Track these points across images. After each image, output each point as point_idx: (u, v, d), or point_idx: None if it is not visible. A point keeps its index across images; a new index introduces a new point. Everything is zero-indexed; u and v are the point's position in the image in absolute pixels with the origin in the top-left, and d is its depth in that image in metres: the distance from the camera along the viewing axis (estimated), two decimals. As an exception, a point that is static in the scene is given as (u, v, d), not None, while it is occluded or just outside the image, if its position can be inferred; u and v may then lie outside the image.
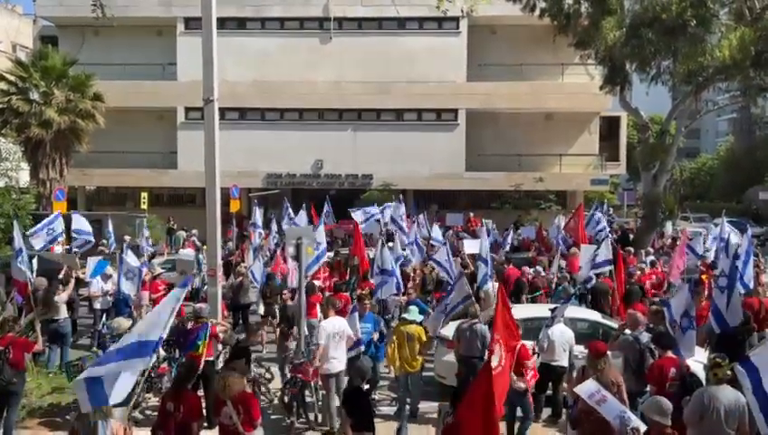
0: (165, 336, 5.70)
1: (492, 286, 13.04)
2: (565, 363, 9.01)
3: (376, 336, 9.99)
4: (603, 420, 6.81)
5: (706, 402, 6.07)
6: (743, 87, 20.37)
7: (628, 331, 8.43)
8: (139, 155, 29.39)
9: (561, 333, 9.09)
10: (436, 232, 18.61)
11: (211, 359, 8.86)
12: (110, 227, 18.71)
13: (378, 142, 29.44)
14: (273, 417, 9.32)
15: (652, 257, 16.54)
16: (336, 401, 8.48)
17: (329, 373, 8.74)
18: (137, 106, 28.78)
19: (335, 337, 8.74)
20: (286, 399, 9.15)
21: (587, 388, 6.16)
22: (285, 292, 12.06)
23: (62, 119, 23.17)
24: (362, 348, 9.34)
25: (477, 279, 13.04)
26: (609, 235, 16.42)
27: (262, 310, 13.10)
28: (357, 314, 9.60)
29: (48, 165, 23.62)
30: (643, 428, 5.61)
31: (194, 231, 24.58)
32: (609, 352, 7.39)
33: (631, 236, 23.36)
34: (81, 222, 15.91)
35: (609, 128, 32.66)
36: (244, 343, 8.22)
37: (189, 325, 9.49)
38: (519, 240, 21.96)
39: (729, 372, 5.96)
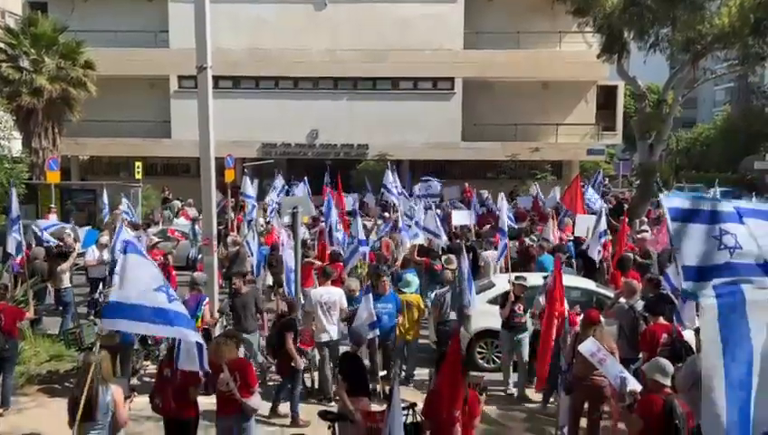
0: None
1: (490, 256, 13.15)
2: None
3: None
4: (597, 386, 6.95)
5: (699, 370, 6.14)
6: (741, 55, 20.19)
7: (623, 299, 8.52)
8: (132, 124, 29.14)
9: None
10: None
11: (206, 327, 8.93)
12: (105, 198, 18.66)
13: (373, 112, 29.22)
14: (269, 383, 9.44)
15: (645, 227, 16.61)
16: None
17: (319, 341, 8.83)
18: (129, 74, 28.39)
19: (323, 306, 8.79)
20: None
21: (588, 347, 6.28)
22: (236, 280, 10.40)
23: (54, 87, 22.90)
24: (377, 331, 8.72)
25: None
26: (604, 205, 16.48)
27: (270, 280, 13.14)
28: (371, 294, 8.72)
29: (40, 134, 23.43)
30: (639, 388, 5.69)
31: (189, 200, 24.53)
32: (603, 320, 7.48)
33: (626, 207, 23.41)
34: None
35: (607, 97, 32.47)
36: (288, 316, 8.38)
37: (186, 295, 9.52)
38: (514, 210, 21.99)
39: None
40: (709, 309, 3.32)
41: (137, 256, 5.53)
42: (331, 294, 8.94)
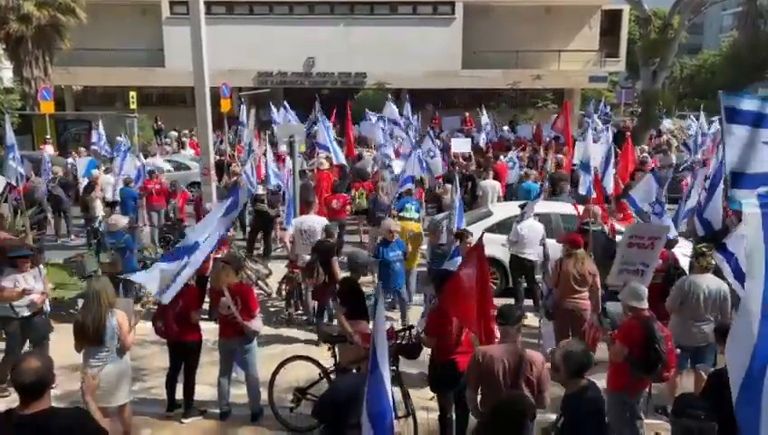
0: (201, 242, 5.71)
1: (489, 185, 13.20)
2: (535, 257, 9.22)
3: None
4: (578, 309, 7.10)
5: (687, 289, 6.29)
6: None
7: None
8: (124, 53, 28.43)
9: (529, 228, 9.24)
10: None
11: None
12: (101, 129, 18.49)
13: (371, 38, 28.47)
14: (272, 309, 9.66)
15: (646, 154, 16.52)
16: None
17: (302, 267, 8.97)
18: (118, 0, 27.51)
19: (303, 233, 8.90)
20: (284, 292, 9.46)
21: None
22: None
23: (42, 13, 22.30)
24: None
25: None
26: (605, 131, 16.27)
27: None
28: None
29: (31, 63, 22.99)
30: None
31: (185, 132, 24.32)
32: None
33: (628, 134, 23.22)
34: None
35: (611, 22, 31.55)
36: (327, 241, 8.66)
37: None
38: (514, 139, 21.85)
39: (713, 262, 6.11)
40: (753, 218, 3.13)
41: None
42: (313, 223, 9.02)
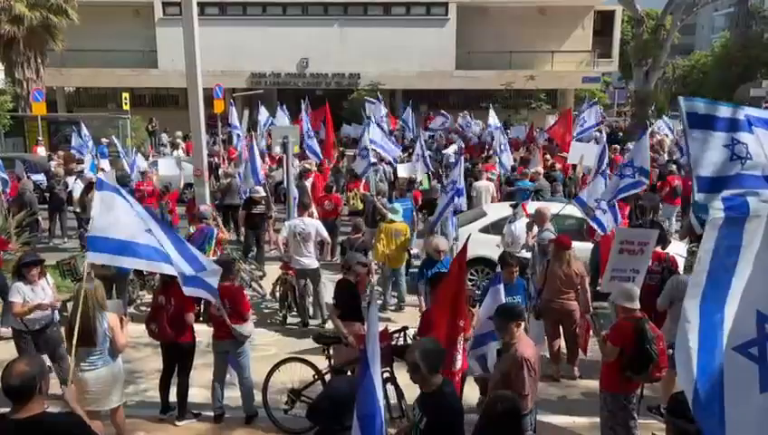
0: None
1: (483, 186, 13.22)
2: (528, 255, 9.26)
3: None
4: (567, 309, 7.12)
5: (676, 288, 6.32)
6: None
7: (536, 228, 8.64)
8: (117, 54, 28.35)
9: (521, 228, 9.28)
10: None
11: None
12: (85, 130, 18.21)
13: (365, 39, 28.48)
14: (266, 311, 9.64)
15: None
16: (326, 296, 8.72)
17: (297, 269, 8.98)
18: (112, 1, 27.42)
19: (297, 236, 8.91)
20: (278, 294, 9.45)
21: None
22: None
23: (34, 14, 22.21)
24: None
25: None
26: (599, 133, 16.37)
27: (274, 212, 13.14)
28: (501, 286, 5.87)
29: (23, 63, 22.89)
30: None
31: (178, 133, 24.23)
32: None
33: (620, 135, 23.33)
34: None
35: (603, 23, 31.71)
36: (356, 236, 9.10)
37: (192, 229, 9.54)
38: (508, 140, 21.87)
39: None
40: (715, 222, 3.14)
41: (111, 193, 5.10)
42: (307, 226, 9.01)
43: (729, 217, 3.17)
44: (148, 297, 9.58)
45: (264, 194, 11.81)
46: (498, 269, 6.94)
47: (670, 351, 5.31)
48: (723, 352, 2.91)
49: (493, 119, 20.63)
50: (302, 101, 19.51)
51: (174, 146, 23.39)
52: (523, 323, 4.80)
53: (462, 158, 9.81)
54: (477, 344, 5.67)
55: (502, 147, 15.04)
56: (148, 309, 6.24)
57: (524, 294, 7.20)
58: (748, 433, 2.85)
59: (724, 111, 3.78)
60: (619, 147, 17.21)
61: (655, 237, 6.81)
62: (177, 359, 6.31)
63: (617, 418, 5.30)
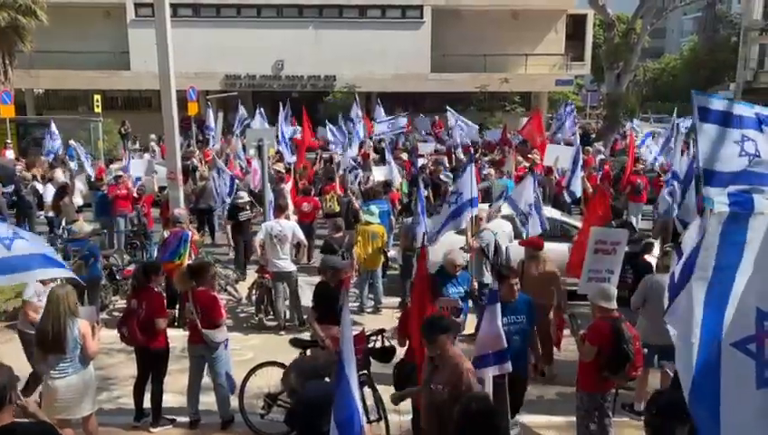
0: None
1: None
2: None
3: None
4: (540, 306, 7.18)
5: (649, 288, 6.42)
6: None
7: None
8: (88, 55, 27.87)
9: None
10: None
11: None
12: (53, 127, 17.77)
13: (340, 42, 28.44)
14: (242, 315, 9.55)
15: (602, 157, 16.93)
16: (306, 299, 8.66)
17: (273, 272, 8.91)
18: (81, 2, 26.96)
19: (273, 239, 8.85)
20: (254, 298, 9.37)
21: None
22: None
23: (1, 15, 21.79)
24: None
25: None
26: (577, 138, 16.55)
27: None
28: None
29: (-10, 65, 22.38)
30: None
31: (153, 136, 23.90)
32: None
33: (593, 136, 23.66)
34: None
35: (576, 27, 32.18)
36: (339, 241, 9.18)
37: (166, 233, 9.40)
38: (483, 143, 22.00)
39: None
40: (720, 216, 3.12)
41: None
42: (283, 228, 8.96)
43: (733, 213, 3.19)
44: (120, 302, 9.44)
45: (248, 199, 11.68)
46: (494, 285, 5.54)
47: (645, 350, 5.40)
48: (721, 347, 2.94)
49: (451, 120, 20.76)
50: (281, 105, 19.42)
51: (146, 149, 23.08)
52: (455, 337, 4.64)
53: (472, 165, 8.94)
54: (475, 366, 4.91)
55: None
56: (121, 314, 6.12)
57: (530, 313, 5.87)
58: (743, 428, 2.88)
59: (736, 108, 3.82)
60: (591, 149, 17.47)
61: (626, 238, 6.91)
62: (151, 364, 6.22)
63: (592, 416, 5.36)
